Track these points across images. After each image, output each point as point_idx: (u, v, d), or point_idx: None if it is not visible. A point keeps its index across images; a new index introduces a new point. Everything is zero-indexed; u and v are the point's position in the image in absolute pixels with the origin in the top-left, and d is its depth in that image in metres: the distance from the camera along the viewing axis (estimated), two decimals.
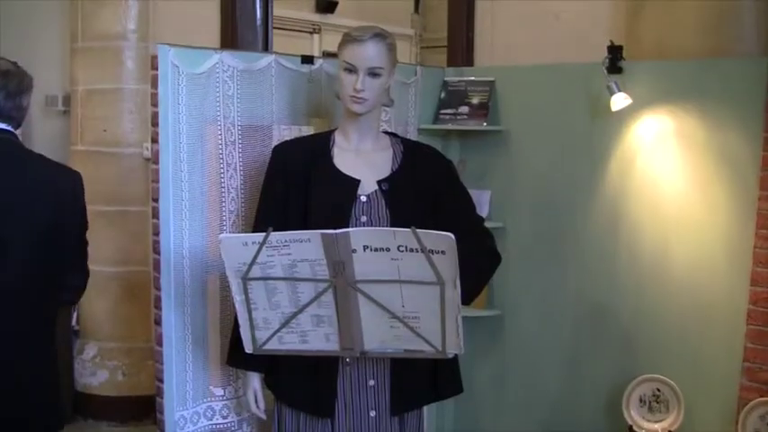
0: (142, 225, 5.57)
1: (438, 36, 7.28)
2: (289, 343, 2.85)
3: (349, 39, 3.09)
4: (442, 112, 4.41)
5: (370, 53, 3.05)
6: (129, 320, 5.83)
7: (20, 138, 3.22)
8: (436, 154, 3.32)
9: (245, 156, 3.52)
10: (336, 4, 9.61)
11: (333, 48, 3.38)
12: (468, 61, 5.04)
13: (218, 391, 3.51)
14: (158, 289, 3.30)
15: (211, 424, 3.50)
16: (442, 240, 2.56)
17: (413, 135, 4.18)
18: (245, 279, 2.73)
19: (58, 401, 3.31)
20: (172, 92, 3.28)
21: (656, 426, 3.93)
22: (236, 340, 3.05)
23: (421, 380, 3.16)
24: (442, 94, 4.44)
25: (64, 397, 3.66)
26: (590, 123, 4.11)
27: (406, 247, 2.59)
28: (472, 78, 4.43)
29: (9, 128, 3.16)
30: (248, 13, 5.55)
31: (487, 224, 3.38)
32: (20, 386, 3.10)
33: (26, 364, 3.12)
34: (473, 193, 3.46)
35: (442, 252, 2.57)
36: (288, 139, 3.51)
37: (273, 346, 2.85)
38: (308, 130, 3.68)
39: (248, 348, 2.87)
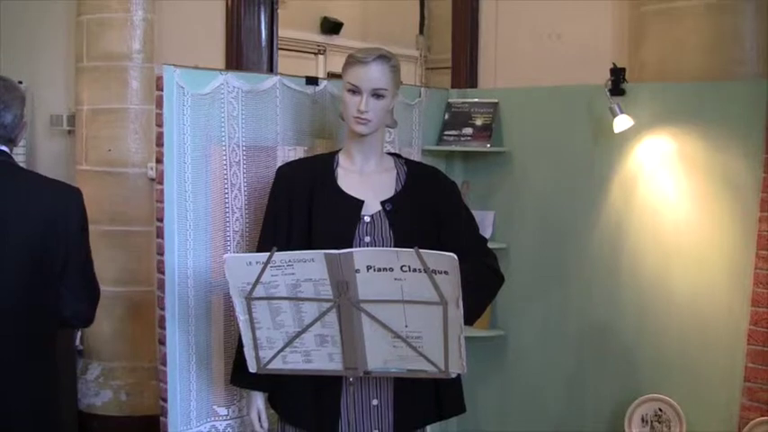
0: (146, 245, 5.57)
1: (443, 57, 7.30)
2: (292, 362, 2.85)
3: (353, 60, 3.10)
4: (446, 133, 4.42)
5: (373, 74, 3.07)
6: (133, 340, 5.81)
7: (10, 153, 3.16)
8: (440, 175, 3.33)
9: (250, 176, 3.54)
10: (341, 25, 9.64)
11: (337, 69, 3.40)
12: (472, 83, 5.06)
13: (222, 411, 3.52)
14: (162, 309, 3.31)
15: None
16: (445, 261, 2.57)
17: (417, 156, 4.20)
18: (249, 299, 2.73)
19: (52, 427, 3.26)
20: (177, 112, 3.30)
21: None
22: (239, 360, 3.06)
23: (424, 399, 3.16)
24: (446, 116, 4.46)
25: (62, 420, 3.59)
26: (593, 145, 4.13)
27: (410, 268, 2.60)
28: (476, 100, 4.45)
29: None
30: (253, 34, 5.58)
31: (491, 245, 3.40)
32: (6, 415, 3.04)
33: (12, 391, 3.05)
34: (477, 213, 3.47)
35: (445, 272, 2.58)
36: (292, 159, 3.53)
37: (277, 365, 2.86)
38: (312, 151, 3.70)
39: (252, 368, 2.87)
